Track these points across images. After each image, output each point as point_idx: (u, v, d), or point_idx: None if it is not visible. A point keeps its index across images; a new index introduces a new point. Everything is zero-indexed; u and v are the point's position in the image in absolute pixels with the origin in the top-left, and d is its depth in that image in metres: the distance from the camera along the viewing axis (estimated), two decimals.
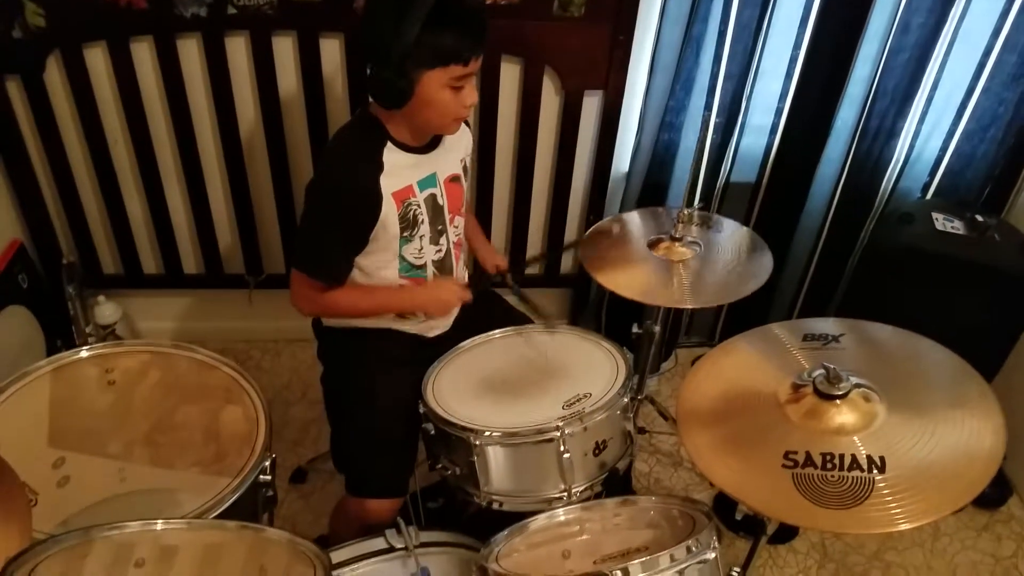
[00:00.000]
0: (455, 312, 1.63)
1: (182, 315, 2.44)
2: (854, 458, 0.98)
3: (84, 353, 1.43)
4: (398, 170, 1.41)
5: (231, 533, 1.08)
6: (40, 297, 2.11)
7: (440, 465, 1.44)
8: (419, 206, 1.45)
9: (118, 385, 1.43)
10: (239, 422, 1.35)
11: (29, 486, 1.15)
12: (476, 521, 1.62)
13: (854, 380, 1.06)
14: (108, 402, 1.41)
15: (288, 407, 2.26)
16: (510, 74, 2.01)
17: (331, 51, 1.94)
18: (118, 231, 2.18)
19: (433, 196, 1.48)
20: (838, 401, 1.04)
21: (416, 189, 1.44)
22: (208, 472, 1.29)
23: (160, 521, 1.02)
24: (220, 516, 1.18)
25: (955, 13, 1.84)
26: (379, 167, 1.38)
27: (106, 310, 2.24)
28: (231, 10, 1.83)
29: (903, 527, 0.91)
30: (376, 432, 1.49)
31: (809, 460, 0.99)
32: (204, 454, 1.32)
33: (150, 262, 2.27)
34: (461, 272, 1.64)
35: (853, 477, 0.96)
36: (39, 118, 1.95)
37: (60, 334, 2.16)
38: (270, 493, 1.31)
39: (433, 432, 1.42)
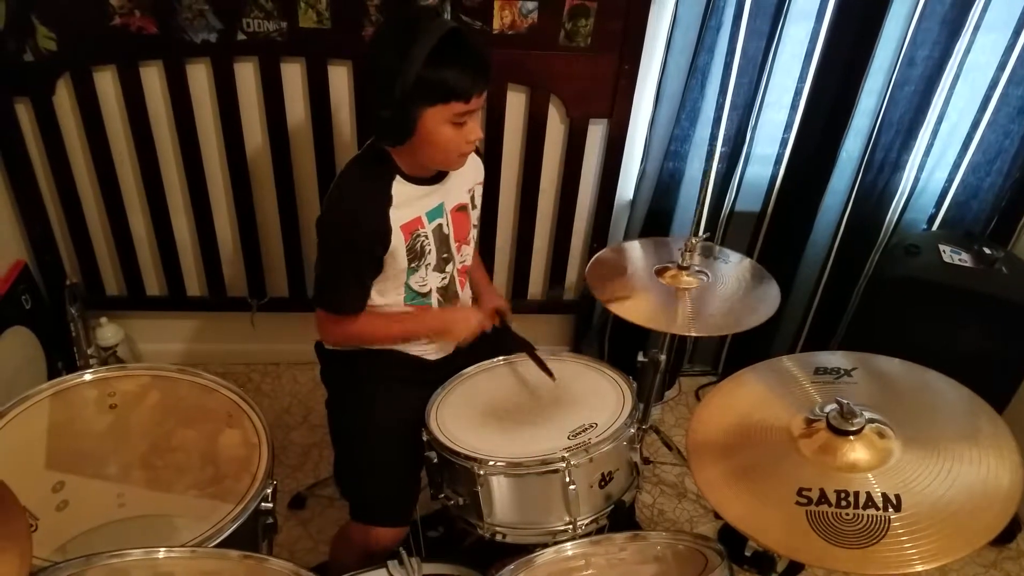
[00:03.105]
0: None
1: (184, 337, 2.43)
2: (869, 496, 0.96)
3: (87, 376, 1.42)
4: (407, 202, 1.41)
5: (233, 563, 1.07)
6: (43, 318, 2.10)
7: (443, 495, 1.42)
8: (426, 237, 1.45)
9: (118, 408, 1.41)
10: (238, 446, 1.34)
11: (30, 511, 1.14)
12: (476, 550, 1.60)
13: (868, 415, 1.04)
14: (108, 425, 1.39)
15: (288, 431, 2.24)
16: (516, 102, 2.02)
17: (339, 78, 1.95)
18: (122, 253, 2.18)
19: (440, 226, 1.48)
20: (852, 437, 1.02)
21: (425, 220, 1.44)
22: (205, 495, 1.27)
23: (162, 549, 1.01)
24: (221, 545, 1.16)
25: (960, 47, 1.86)
26: (388, 200, 1.38)
27: (108, 332, 2.24)
28: (240, 36, 1.85)
29: (919, 568, 0.89)
30: (381, 458, 1.48)
31: (823, 497, 0.97)
32: (202, 477, 1.31)
33: (153, 284, 2.26)
34: (466, 298, 1.63)
35: (868, 516, 0.94)
36: (47, 140, 1.96)
37: (61, 355, 2.15)
38: (271, 521, 1.29)
39: (436, 461, 1.40)
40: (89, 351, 2.20)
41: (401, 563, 1.28)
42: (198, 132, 2.00)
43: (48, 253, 2.14)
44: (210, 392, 1.43)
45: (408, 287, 1.48)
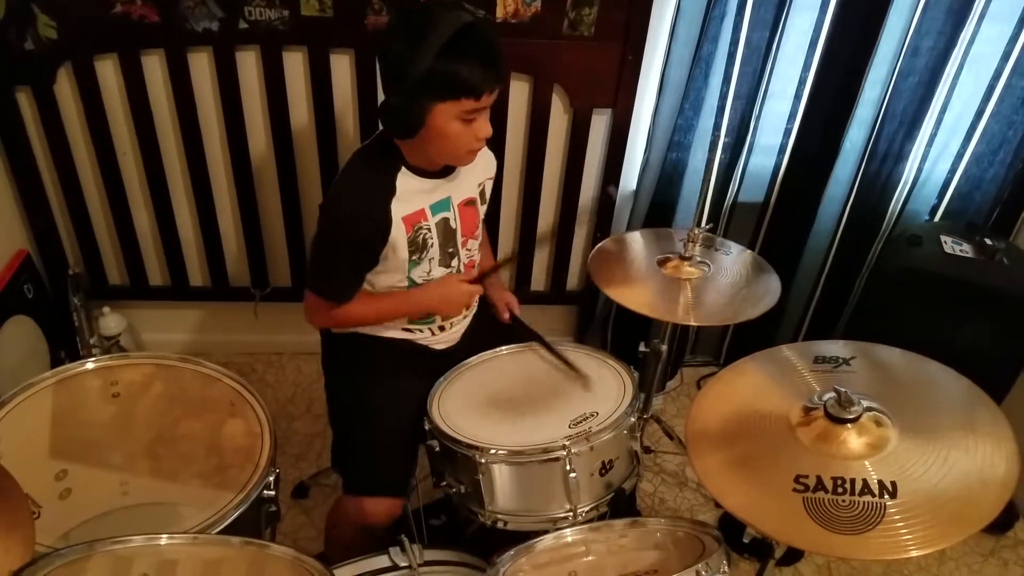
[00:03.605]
0: (472, 307, 1.62)
1: (187, 327, 2.44)
2: (865, 483, 0.97)
3: (90, 365, 1.42)
4: (411, 195, 1.40)
5: (235, 549, 1.08)
6: (45, 307, 2.11)
7: (444, 483, 1.43)
8: (429, 230, 1.44)
9: (122, 397, 1.42)
10: (242, 435, 1.35)
11: (32, 499, 1.14)
12: (478, 539, 1.61)
13: (865, 404, 1.05)
14: (111, 414, 1.40)
15: (292, 421, 2.25)
16: (519, 91, 2.02)
17: (341, 67, 1.95)
18: (125, 242, 2.18)
19: (445, 220, 1.47)
20: (849, 425, 1.03)
21: (428, 213, 1.43)
22: (210, 485, 1.28)
23: (164, 536, 1.02)
24: (223, 532, 1.17)
25: (965, 37, 1.85)
26: (391, 192, 1.38)
27: (110, 321, 2.24)
28: (242, 25, 1.84)
29: (914, 554, 0.90)
30: (378, 431, 1.48)
31: (820, 484, 0.98)
32: (206, 466, 1.32)
33: (156, 274, 2.27)
34: None
35: (864, 502, 0.95)
36: (48, 129, 1.96)
37: (64, 345, 2.16)
38: (273, 508, 1.30)
39: (438, 449, 1.41)
40: (92, 341, 2.21)
41: (403, 550, 1.29)
42: (200, 121, 2.00)
43: (50, 242, 2.14)
44: (213, 381, 1.43)
45: (411, 279, 1.48)
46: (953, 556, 1.99)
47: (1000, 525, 2.06)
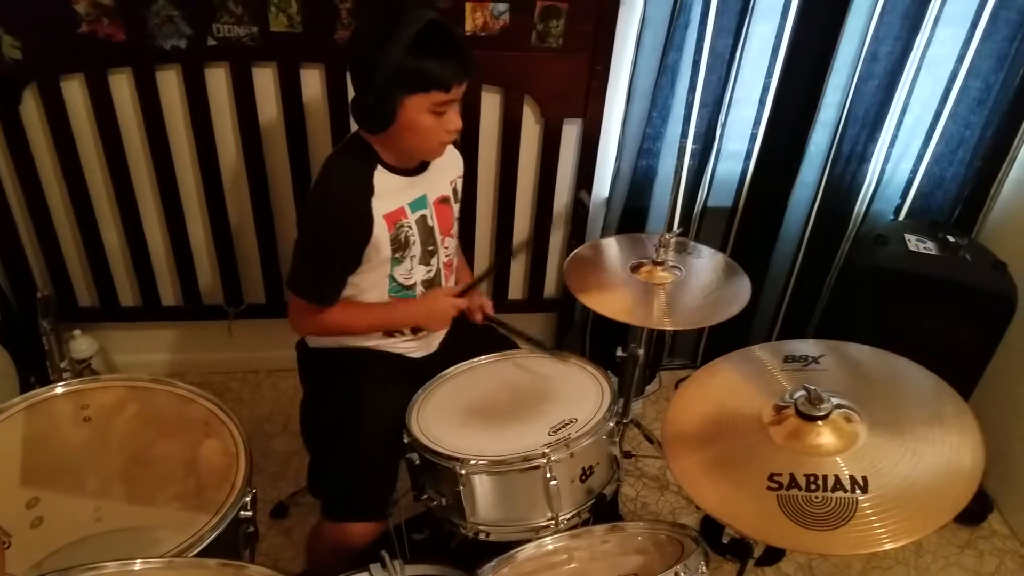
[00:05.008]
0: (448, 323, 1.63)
1: (160, 348, 2.40)
2: (837, 479, 0.99)
3: (59, 389, 1.40)
4: (389, 192, 1.43)
5: (211, 571, 1.06)
6: (13, 332, 2.07)
7: (425, 496, 1.42)
8: (410, 228, 1.47)
9: (94, 421, 1.40)
10: (218, 456, 1.33)
11: (2, 528, 1.12)
12: (462, 552, 1.60)
13: (835, 401, 1.07)
14: (83, 438, 1.38)
15: (269, 439, 2.23)
16: (490, 103, 2.03)
17: (312, 81, 1.95)
18: (94, 263, 2.15)
19: (424, 217, 1.49)
20: (820, 422, 1.05)
21: (408, 211, 1.46)
22: (187, 507, 1.26)
23: (139, 560, 1.01)
24: (200, 554, 1.15)
25: (921, 42, 1.90)
26: (370, 190, 1.40)
27: (81, 344, 2.21)
28: (211, 42, 1.84)
29: (887, 546, 0.92)
30: (357, 452, 1.47)
31: (793, 482, 1.00)
32: (183, 489, 1.30)
33: (127, 294, 2.24)
34: None
35: (837, 498, 0.97)
36: (14, 150, 1.93)
37: (34, 369, 2.11)
38: (251, 529, 1.28)
39: (418, 462, 1.41)
40: (63, 364, 2.17)
41: (384, 566, 1.28)
42: (169, 139, 1.98)
43: (18, 265, 2.11)
44: (187, 402, 1.42)
45: (392, 278, 1.49)
46: (930, 549, 2.02)
47: (974, 516, 2.10)
